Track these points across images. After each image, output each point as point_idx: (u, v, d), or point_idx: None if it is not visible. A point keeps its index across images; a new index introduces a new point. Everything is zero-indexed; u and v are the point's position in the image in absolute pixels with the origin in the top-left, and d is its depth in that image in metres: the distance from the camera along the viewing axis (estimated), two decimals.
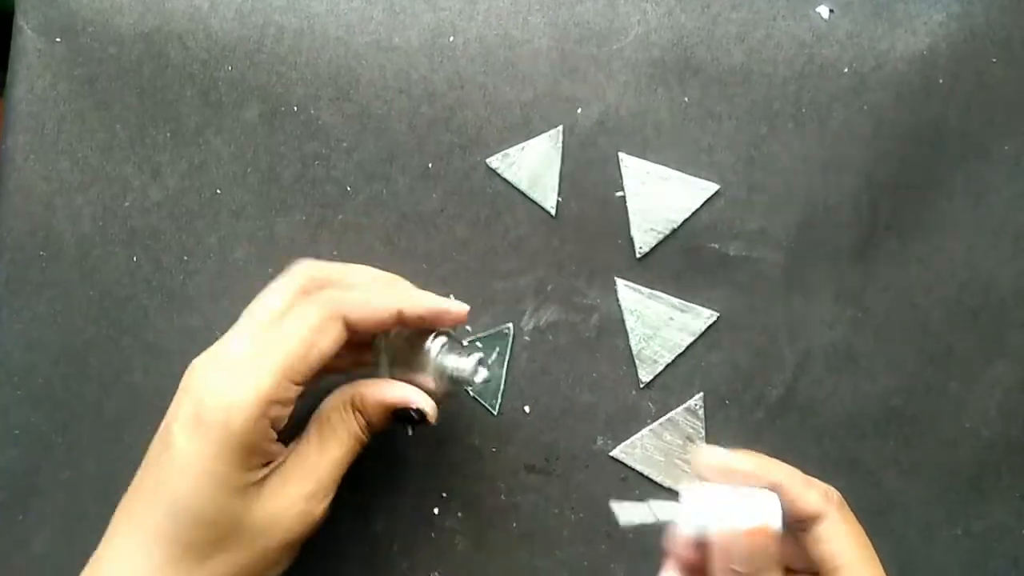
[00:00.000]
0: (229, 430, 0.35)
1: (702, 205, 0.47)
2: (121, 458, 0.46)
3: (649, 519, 0.37)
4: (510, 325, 0.47)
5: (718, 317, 0.46)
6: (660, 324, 0.46)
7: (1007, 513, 0.46)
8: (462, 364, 0.41)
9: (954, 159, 0.47)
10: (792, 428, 0.46)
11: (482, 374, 0.41)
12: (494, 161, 0.47)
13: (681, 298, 0.46)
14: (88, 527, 0.46)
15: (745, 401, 0.46)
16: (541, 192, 0.47)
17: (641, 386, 0.46)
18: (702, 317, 0.46)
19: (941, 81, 0.47)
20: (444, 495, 0.46)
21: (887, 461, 0.46)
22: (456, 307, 0.41)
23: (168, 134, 0.48)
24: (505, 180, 0.47)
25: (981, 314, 0.46)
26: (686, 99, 0.47)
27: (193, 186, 0.48)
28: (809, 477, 0.38)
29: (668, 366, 0.46)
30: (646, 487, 0.46)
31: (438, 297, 0.41)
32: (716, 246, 0.47)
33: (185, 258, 0.47)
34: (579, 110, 0.47)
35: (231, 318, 0.47)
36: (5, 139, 0.48)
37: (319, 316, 0.37)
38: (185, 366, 0.38)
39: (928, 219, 0.47)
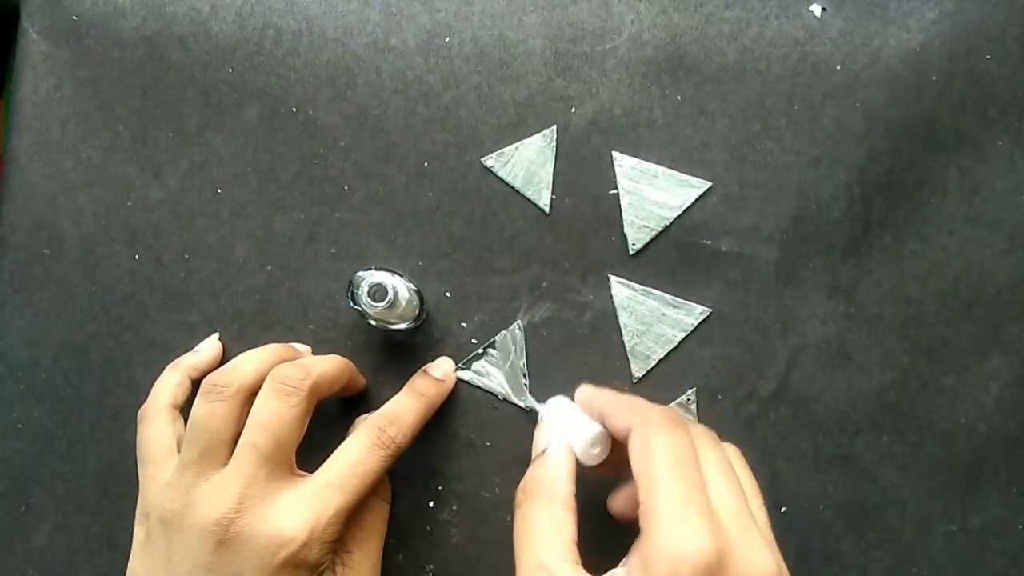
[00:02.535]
0: None
1: (695, 202, 0.47)
2: (121, 452, 0.47)
3: (534, 408, 0.45)
4: (518, 322, 0.47)
5: (711, 313, 0.47)
6: (653, 320, 0.47)
7: (1004, 508, 0.46)
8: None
9: (947, 155, 0.47)
10: (785, 423, 0.46)
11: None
12: (489, 160, 0.48)
13: (674, 294, 0.47)
14: (88, 520, 0.47)
15: (738, 396, 0.46)
16: (535, 190, 0.47)
17: (634, 381, 0.47)
18: (695, 313, 0.46)
19: (934, 78, 0.47)
20: (439, 488, 0.47)
21: (882, 456, 0.46)
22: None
23: (169, 134, 0.49)
24: (500, 178, 0.48)
25: (976, 307, 0.46)
26: (679, 97, 0.48)
27: (194, 185, 0.48)
28: (637, 400, 0.39)
29: (661, 361, 0.47)
30: None
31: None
32: (709, 242, 0.47)
33: (186, 256, 0.48)
34: (573, 109, 0.48)
35: (231, 315, 0.48)
36: (9, 139, 0.49)
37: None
38: None
39: (921, 215, 0.47)
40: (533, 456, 0.40)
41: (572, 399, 0.42)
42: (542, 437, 0.40)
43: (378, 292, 0.41)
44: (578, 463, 0.39)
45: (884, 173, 0.47)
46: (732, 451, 0.39)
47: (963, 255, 0.47)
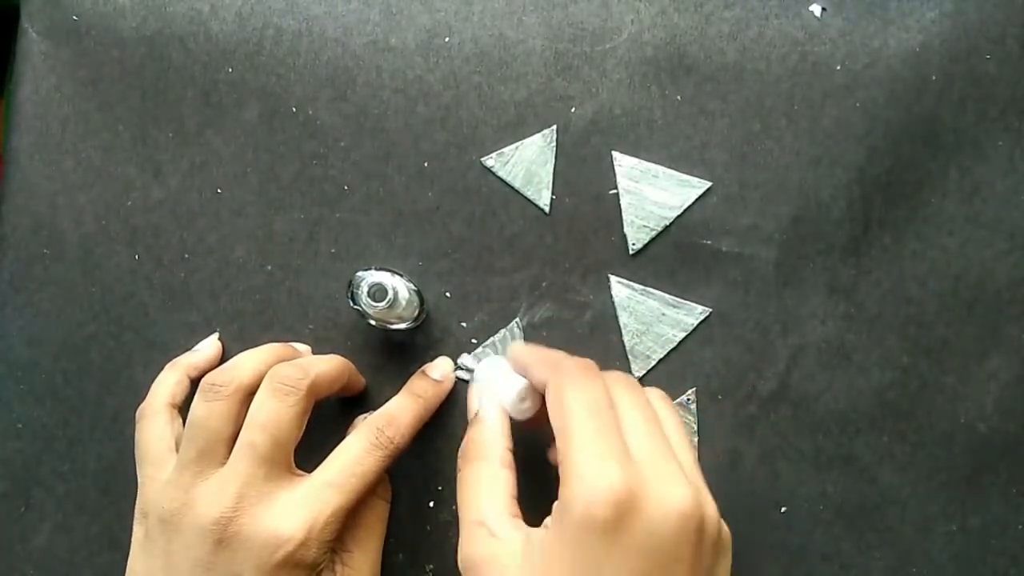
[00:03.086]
0: None
1: (695, 202, 0.47)
2: (121, 452, 0.47)
3: (469, 365, 0.46)
4: (516, 320, 0.47)
5: (710, 313, 0.47)
6: (653, 320, 0.47)
7: (1004, 508, 0.46)
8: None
9: (947, 155, 0.47)
10: (785, 423, 0.46)
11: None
12: (489, 160, 0.48)
13: (674, 294, 0.47)
14: (88, 520, 0.47)
15: (738, 396, 0.46)
16: (535, 190, 0.47)
17: None
18: (694, 313, 0.46)
19: (934, 78, 0.47)
20: (439, 488, 0.47)
21: (882, 456, 0.46)
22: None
23: (170, 134, 0.49)
24: (500, 178, 0.48)
25: (976, 307, 0.46)
26: (679, 97, 0.48)
27: (194, 185, 0.48)
28: (556, 353, 0.40)
29: (661, 361, 0.47)
30: None
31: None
32: (709, 242, 0.47)
33: (186, 256, 0.48)
34: (573, 109, 0.48)
35: (231, 315, 0.48)
36: (10, 139, 0.49)
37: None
38: None
39: (921, 215, 0.47)
40: (468, 418, 0.41)
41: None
42: (474, 398, 0.41)
43: (378, 292, 0.41)
44: (516, 420, 0.40)
45: (884, 173, 0.47)
46: (655, 394, 0.39)
47: (963, 255, 0.47)
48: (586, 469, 0.33)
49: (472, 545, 0.35)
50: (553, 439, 0.38)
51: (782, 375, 0.46)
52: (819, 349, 0.46)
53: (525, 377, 0.40)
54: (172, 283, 0.48)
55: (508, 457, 0.39)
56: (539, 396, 0.40)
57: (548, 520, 0.34)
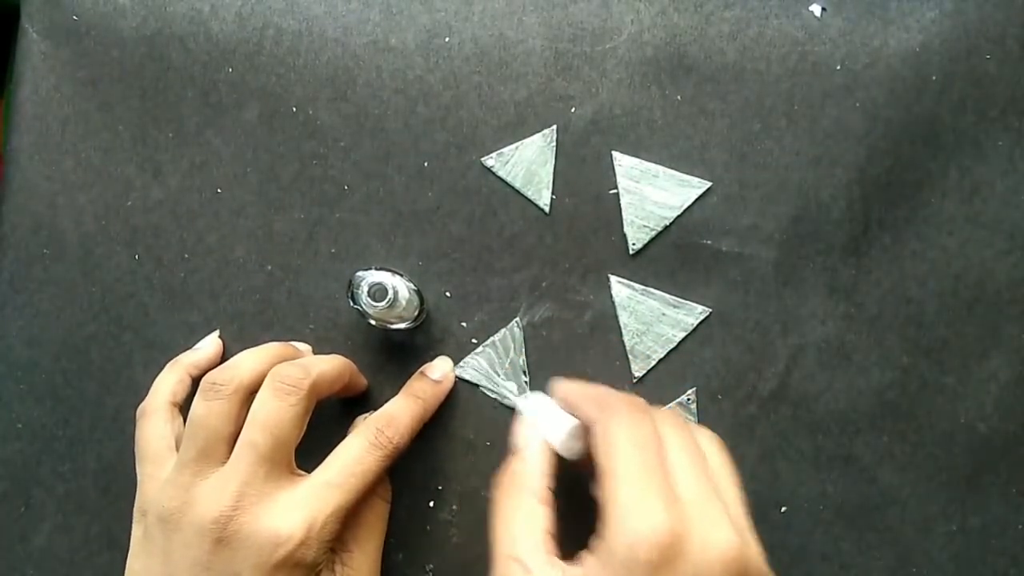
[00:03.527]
0: None
1: (695, 202, 0.47)
2: (121, 452, 0.47)
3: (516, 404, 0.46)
4: (516, 320, 0.47)
5: (710, 313, 0.47)
6: (653, 320, 0.47)
7: (1004, 508, 0.46)
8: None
9: (947, 155, 0.47)
10: (785, 423, 0.46)
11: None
12: (489, 160, 0.48)
13: (674, 294, 0.47)
14: (88, 519, 0.47)
15: (737, 396, 0.46)
16: (535, 190, 0.47)
17: (634, 381, 0.47)
18: (694, 313, 0.46)
19: (934, 78, 0.47)
20: (439, 488, 0.47)
21: (882, 456, 0.46)
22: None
23: (169, 134, 0.49)
24: (500, 178, 0.48)
25: (976, 307, 0.46)
26: (679, 97, 0.48)
27: (194, 185, 0.48)
28: (604, 390, 0.39)
29: (661, 361, 0.47)
30: None
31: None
32: (709, 242, 0.47)
33: (186, 256, 0.48)
34: (573, 109, 0.48)
35: (231, 315, 0.48)
36: (10, 139, 0.49)
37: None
38: None
39: (921, 215, 0.47)
40: (510, 452, 0.40)
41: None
42: (520, 433, 0.40)
43: (378, 292, 0.41)
44: (561, 458, 0.39)
45: (884, 173, 0.47)
46: (706, 435, 0.39)
47: (963, 255, 0.47)
48: (630, 509, 0.32)
49: None
50: (594, 476, 0.37)
51: (782, 375, 0.46)
52: (819, 349, 0.46)
53: (574, 414, 0.39)
54: (172, 283, 0.48)
55: (548, 495, 0.37)
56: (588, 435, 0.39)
57: (585, 554, 0.34)
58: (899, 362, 0.46)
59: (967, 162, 0.47)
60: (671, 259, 0.47)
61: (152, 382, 0.44)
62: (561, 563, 0.34)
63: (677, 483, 0.34)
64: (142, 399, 0.44)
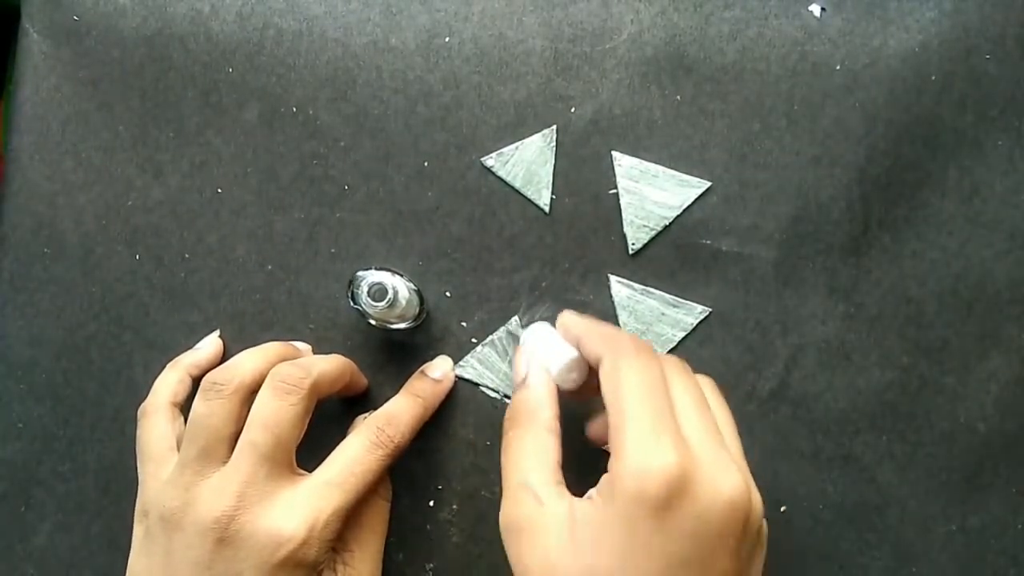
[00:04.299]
0: None
1: (694, 202, 0.47)
2: (122, 451, 0.47)
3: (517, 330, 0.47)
4: (516, 319, 0.47)
5: (710, 312, 0.47)
6: (652, 320, 0.47)
7: (1004, 508, 0.46)
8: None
9: (947, 155, 0.47)
10: (785, 423, 0.46)
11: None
12: (489, 160, 0.48)
13: (674, 294, 0.47)
14: (89, 519, 0.47)
15: (737, 395, 0.46)
16: (535, 190, 0.47)
17: None
18: (694, 313, 0.47)
19: (934, 78, 0.47)
20: (439, 488, 0.47)
21: (882, 456, 0.46)
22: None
23: (170, 134, 0.49)
24: (500, 178, 0.48)
25: (975, 307, 0.46)
26: (679, 97, 0.48)
27: (194, 185, 0.48)
28: (612, 328, 0.40)
29: None
30: None
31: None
32: (708, 242, 0.47)
33: (186, 256, 0.48)
34: (572, 109, 0.48)
35: (231, 315, 0.48)
36: (10, 140, 0.49)
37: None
38: None
39: (921, 215, 0.47)
40: (514, 381, 0.41)
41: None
42: (521, 363, 0.41)
43: (378, 292, 0.41)
44: (557, 389, 0.40)
45: (883, 173, 0.47)
46: (705, 381, 0.40)
47: (963, 255, 0.47)
48: (640, 445, 0.33)
49: (517, 507, 0.36)
50: (594, 413, 0.38)
51: (782, 375, 0.46)
52: (819, 349, 0.46)
53: (576, 348, 0.40)
54: (172, 283, 0.48)
55: (555, 424, 0.38)
56: (586, 368, 0.40)
57: (593, 492, 0.34)
58: (899, 362, 0.46)
59: (967, 162, 0.47)
60: (671, 259, 0.47)
61: (152, 382, 0.44)
62: (569, 494, 0.35)
63: (684, 426, 0.34)
64: (142, 399, 0.44)
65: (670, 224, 0.47)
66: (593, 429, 0.41)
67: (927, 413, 0.46)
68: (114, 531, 0.47)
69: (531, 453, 0.37)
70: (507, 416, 0.39)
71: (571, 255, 0.47)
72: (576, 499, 0.35)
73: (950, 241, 0.47)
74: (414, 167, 0.48)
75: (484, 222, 0.48)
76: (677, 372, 0.38)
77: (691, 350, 0.47)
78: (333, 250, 0.48)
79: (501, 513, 0.36)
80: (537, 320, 0.46)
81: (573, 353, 0.40)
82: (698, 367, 0.46)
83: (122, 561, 0.40)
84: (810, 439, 0.46)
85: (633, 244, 0.47)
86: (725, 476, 0.33)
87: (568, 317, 0.41)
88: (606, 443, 0.35)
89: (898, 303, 0.47)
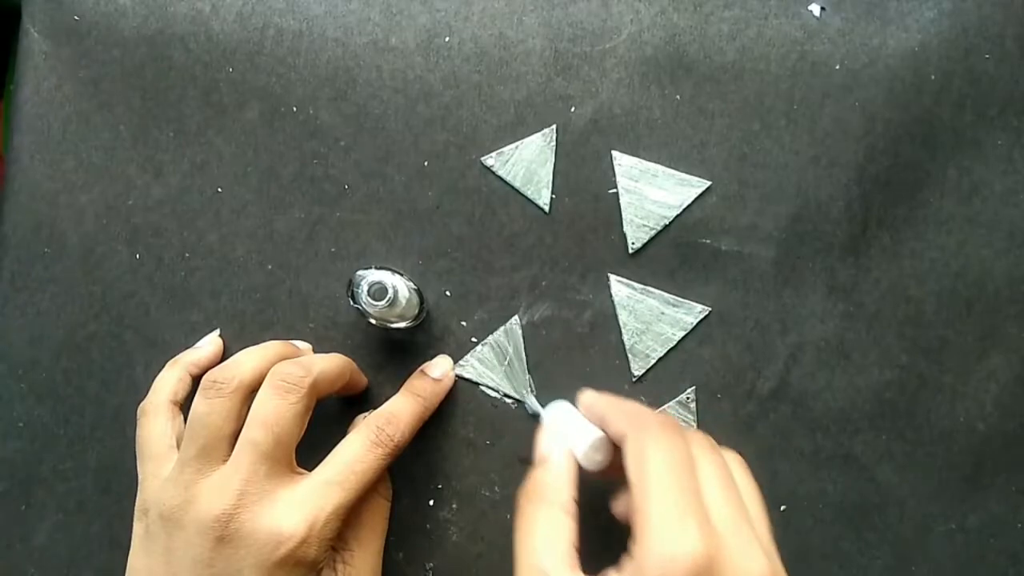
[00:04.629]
0: None
1: (694, 201, 0.47)
2: (122, 451, 0.47)
3: (537, 412, 0.46)
4: (516, 318, 0.47)
5: (710, 312, 0.47)
6: (652, 319, 0.47)
7: (1003, 507, 0.46)
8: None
9: (946, 154, 0.47)
10: (784, 422, 0.46)
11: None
12: (489, 159, 0.48)
13: (673, 293, 0.47)
14: (89, 518, 0.48)
15: (737, 395, 0.46)
16: (535, 189, 0.47)
17: (633, 380, 0.47)
18: (694, 312, 0.47)
19: (933, 77, 0.47)
20: (439, 487, 0.47)
21: (881, 455, 0.46)
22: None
23: (170, 134, 0.49)
24: (499, 178, 0.48)
25: (975, 306, 0.47)
26: (679, 97, 0.48)
27: (195, 184, 0.49)
28: (636, 405, 0.39)
29: (660, 360, 0.47)
30: None
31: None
32: (708, 241, 0.47)
33: (186, 255, 0.48)
34: (572, 108, 0.48)
35: (231, 314, 0.48)
36: (11, 139, 0.49)
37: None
38: None
39: (920, 214, 0.47)
40: (536, 461, 0.40)
41: (573, 402, 0.41)
42: (544, 442, 0.40)
43: (378, 291, 0.41)
44: (581, 468, 0.39)
45: (883, 172, 0.47)
46: (732, 458, 0.39)
47: (962, 254, 0.47)
48: (665, 528, 0.32)
49: None
50: (620, 491, 0.37)
51: (781, 374, 0.46)
52: (818, 348, 0.46)
53: (600, 427, 0.39)
54: (173, 282, 0.48)
55: (573, 506, 0.37)
56: (611, 448, 0.39)
57: (612, 571, 0.33)
58: (898, 361, 0.46)
59: (966, 161, 0.47)
60: (670, 258, 0.47)
61: (153, 381, 0.45)
62: None
63: (709, 506, 0.34)
64: (143, 398, 0.44)
65: (670, 223, 0.47)
66: (619, 507, 0.39)
67: (926, 412, 0.46)
68: (114, 530, 0.47)
69: (545, 534, 0.36)
70: (522, 491, 0.38)
71: (571, 254, 0.47)
72: None
73: (949, 240, 0.47)
74: (414, 167, 0.48)
75: (484, 221, 0.48)
76: (703, 450, 0.36)
77: (691, 349, 0.47)
78: (333, 249, 0.48)
79: None
80: (559, 401, 0.43)
81: (598, 433, 0.38)
82: (698, 366, 0.47)
83: (122, 559, 0.40)
84: (810, 438, 0.46)
85: (633, 243, 0.47)
86: (751, 559, 0.32)
87: (590, 396, 0.40)
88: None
89: (897, 302, 0.47)
